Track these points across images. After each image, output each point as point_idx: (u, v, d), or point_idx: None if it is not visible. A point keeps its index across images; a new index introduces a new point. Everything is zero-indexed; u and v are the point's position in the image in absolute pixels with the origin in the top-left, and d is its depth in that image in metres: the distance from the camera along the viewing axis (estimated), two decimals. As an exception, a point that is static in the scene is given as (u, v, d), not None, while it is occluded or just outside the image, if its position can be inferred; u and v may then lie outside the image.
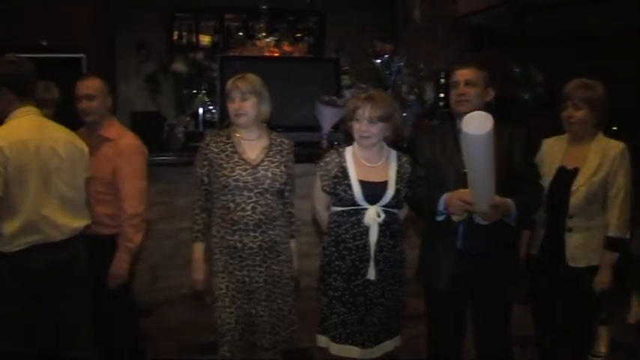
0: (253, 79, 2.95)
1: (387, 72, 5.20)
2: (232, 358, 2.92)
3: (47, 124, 2.86)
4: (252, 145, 2.97)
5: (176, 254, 4.70)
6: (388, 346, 2.95)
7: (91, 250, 3.10)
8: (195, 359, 3.98)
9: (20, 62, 2.82)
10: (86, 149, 2.96)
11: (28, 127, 2.74)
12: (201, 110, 5.23)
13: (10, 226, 2.64)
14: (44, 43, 6.10)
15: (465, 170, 2.70)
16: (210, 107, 5.64)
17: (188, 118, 4.77)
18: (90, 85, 3.18)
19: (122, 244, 3.13)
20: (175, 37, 6.89)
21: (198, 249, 3.03)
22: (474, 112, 2.60)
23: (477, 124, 2.51)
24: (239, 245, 2.89)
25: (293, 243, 3.12)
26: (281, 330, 2.99)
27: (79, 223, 2.91)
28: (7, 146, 2.61)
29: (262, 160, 2.93)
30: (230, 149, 2.93)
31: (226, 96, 2.96)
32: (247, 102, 2.90)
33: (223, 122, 4.72)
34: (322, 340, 2.98)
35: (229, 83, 2.95)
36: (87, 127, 3.26)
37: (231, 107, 2.92)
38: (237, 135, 2.98)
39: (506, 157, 2.79)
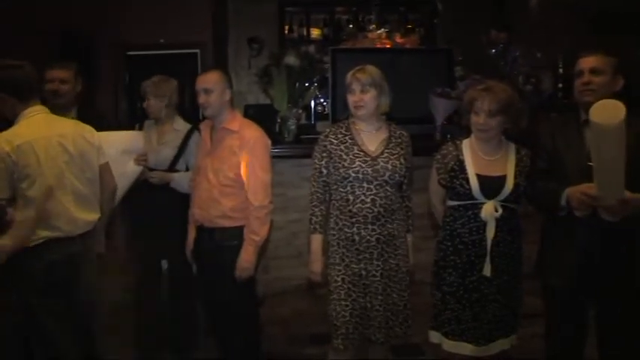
0: (373, 71, 2.92)
1: (502, 62, 5.02)
2: (345, 351, 2.93)
3: (55, 121, 2.91)
4: (372, 136, 2.95)
5: (288, 245, 4.78)
6: (503, 344, 2.88)
7: (217, 242, 3.23)
8: (305, 350, 4.03)
9: (15, 66, 2.83)
10: (97, 140, 2.98)
11: (35, 127, 2.78)
12: (312, 103, 5.28)
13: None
14: (162, 41, 6.40)
15: (590, 163, 2.56)
16: (321, 100, 5.70)
17: (300, 111, 4.81)
18: (207, 79, 3.22)
19: (248, 237, 3.16)
20: (286, 31, 6.97)
21: (317, 241, 3.03)
22: (604, 101, 2.45)
23: (606, 114, 2.37)
24: (356, 238, 2.88)
25: (409, 237, 3.09)
26: (395, 325, 2.96)
27: (93, 216, 2.96)
28: (13, 150, 2.65)
29: (382, 152, 2.91)
30: (349, 141, 2.92)
31: (346, 88, 2.94)
32: (367, 94, 2.87)
33: (335, 115, 4.74)
34: (434, 336, 2.94)
35: (349, 75, 2.93)
36: (210, 119, 3.33)
37: (351, 99, 2.91)
38: (356, 127, 2.97)
39: (637, 149, 2.60)
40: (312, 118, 5.37)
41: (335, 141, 2.94)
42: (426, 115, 4.85)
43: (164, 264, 3.90)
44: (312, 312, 4.47)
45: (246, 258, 3.16)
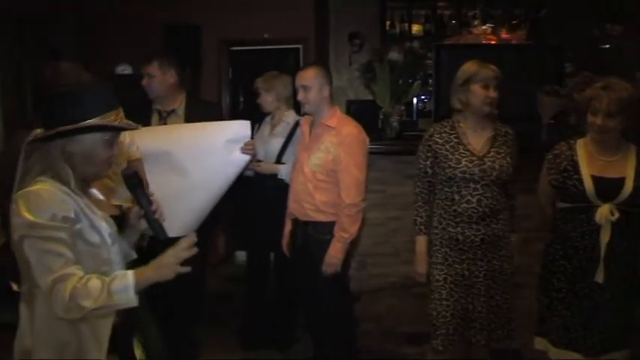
0: (496, 68, 2.83)
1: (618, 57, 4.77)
2: (445, 352, 2.88)
3: None
4: (477, 135, 2.87)
5: (386, 242, 4.75)
6: (615, 357, 2.73)
7: (310, 236, 3.26)
8: (400, 349, 3.99)
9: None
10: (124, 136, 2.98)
11: None
12: (414, 99, 5.22)
13: None
14: (265, 36, 6.51)
15: None
16: (422, 97, 5.63)
17: (403, 108, 4.77)
18: (305, 76, 3.24)
19: (338, 233, 3.18)
20: (387, 27, 6.92)
21: (422, 242, 3.00)
22: None
23: None
24: (460, 237, 2.83)
25: (514, 237, 3.00)
26: (497, 327, 2.89)
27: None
28: None
29: (488, 152, 2.83)
30: (454, 140, 2.86)
31: (472, 82, 2.81)
32: (496, 91, 2.79)
33: (438, 112, 4.67)
34: (540, 343, 2.85)
35: (483, 69, 2.81)
36: (310, 115, 3.36)
37: (485, 94, 2.79)
38: (462, 125, 2.89)
39: None
40: (414, 115, 5.30)
41: (440, 140, 2.88)
42: (531, 113, 4.68)
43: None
44: (408, 310, 4.43)
45: (334, 254, 3.18)
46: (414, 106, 5.45)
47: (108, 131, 1.81)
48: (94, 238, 1.79)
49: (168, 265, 1.75)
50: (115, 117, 1.81)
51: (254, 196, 3.83)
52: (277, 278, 3.92)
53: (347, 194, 3.15)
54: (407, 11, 6.87)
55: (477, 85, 2.78)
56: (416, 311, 4.24)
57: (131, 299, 1.69)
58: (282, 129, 3.81)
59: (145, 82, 3.44)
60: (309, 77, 3.22)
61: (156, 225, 1.95)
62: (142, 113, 3.44)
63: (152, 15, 6.22)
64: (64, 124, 1.73)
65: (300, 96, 3.24)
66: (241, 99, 6.92)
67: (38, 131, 1.78)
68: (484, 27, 5.46)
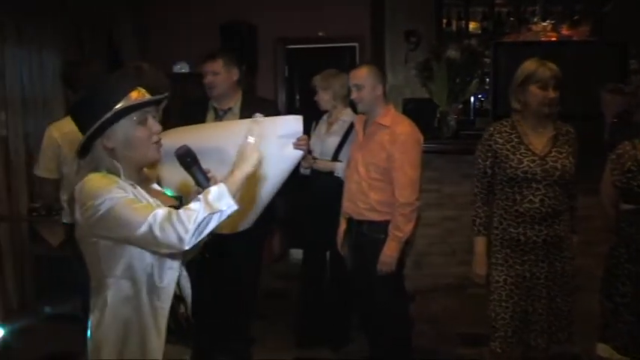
0: (555, 67, 2.76)
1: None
2: (503, 355, 2.83)
3: None
4: (539, 135, 2.80)
5: (442, 242, 4.72)
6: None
7: (364, 235, 3.25)
8: (455, 350, 3.96)
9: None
10: None
11: None
12: (472, 98, 5.15)
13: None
14: (320, 34, 6.53)
15: None
16: (479, 96, 5.54)
17: (460, 106, 4.72)
18: (358, 75, 3.24)
19: (392, 232, 3.17)
20: (443, 25, 6.84)
21: (481, 243, 2.94)
22: None
23: None
24: (522, 238, 2.77)
25: (575, 239, 2.92)
26: (557, 330, 2.83)
27: None
28: (60, 136, 3.05)
29: (550, 151, 2.76)
30: (515, 139, 2.79)
31: (530, 82, 2.74)
32: (556, 91, 2.72)
33: (496, 111, 4.59)
34: (603, 349, 2.79)
35: (542, 68, 2.73)
36: (363, 114, 3.36)
37: (543, 95, 2.71)
38: (522, 125, 2.82)
39: None
40: (471, 114, 5.23)
41: (500, 140, 2.82)
42: (593, 112, 4.56)
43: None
44: (463, 311, 4.41)
45: (388, 253, 3.17)
46: (471, 105, 5.36)
47: (129, 113, 1.80)
48: None
49: (249, 156, 1.80)
50: (138, 94, 1.82)
51: (310, 194, 3.85)
52: (333, 277, 3.93)
53: (401, 193, 3.14)
54: (464, 8, 6.77)
55: (534, 86, 2.71)
56: (471, 312, 4.21)
57: (230, 203, 1.70)
58: (339, 127, 3.82)
59: (208, 79, 3.45)
60: (362, 76, 3.22)
61: (203, 180, 1.84)
62: (198, 110, 3.49)
63: (209, 14, 6.29)
64: (92, 124, 1.77)
65: (354, 95, 3.25)
66: (297, 97, 6.96)
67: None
68: (544, 23, 5.31)
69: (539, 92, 2.69)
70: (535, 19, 5.44)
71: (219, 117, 3.51)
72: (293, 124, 3.31)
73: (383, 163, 3.18)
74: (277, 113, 3.74)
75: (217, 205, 1.68)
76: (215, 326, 3.44)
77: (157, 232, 1.65)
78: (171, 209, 1.70)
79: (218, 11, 6.25)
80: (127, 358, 1.82)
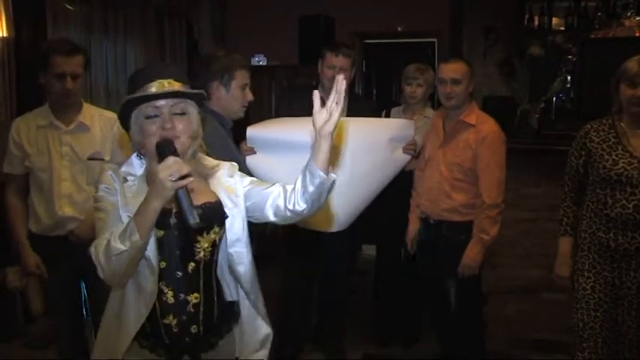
0: None
1: None
2: None
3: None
4: (638, 136, 2.65)
5: (517, 245, 4.60)
6: None
7: (444, 236, 3.19)
8: (529, 356, 3.86)
9: None
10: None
11: None
12: (554, 98, 4.97)
13: None
14: (399, 29, 6.46)
15: None
16: (560, 95, 5.35)
17: (542, 105, 4.56)
18: (457, 69, 3.14)
19: (477, 234, 3.09)
20: (525, 21, 6.64)
21: (566, 243, 2.83)
22: None
23: None
24: (612, 244, 2.64)
25: None
26: None
27: None
28: None
29: None
30: (613, 139, 2.66)
31: (621, 80, 2.62)
32: None
33: (580, 111, 4.43)
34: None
35: (631, 66, 2.59)
36: (443, 110, 3.28)
37: (631, 94, 2.58)
38: (622, 124, 2.68)
39: None
40: (552, 114, 5.04)
41: (596, 139, 2.69)
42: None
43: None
44: (537, 316, 4.30)
45: (472, 256, 3.10)
46: (553, 105, 5.18)
47: (137, 104, 1.72)
48: None
49: (160, 183, 1.56)
50: (159, 86, 1.71)
51: (385, 190, 3.79)
52: (406, 275, 3.87)
53: (488, 195, 3.06)
54: (547, 3, 6.54)
55: (624, 84, 2.59)
56: (546, 318, 4.13)
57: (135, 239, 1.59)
58: (424, 124, 3.69)
59: (331, 73, 3.28)
60: (462, 71, 3.14)
61: (186, 205, 1.60)
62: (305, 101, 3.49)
63: (287, 6, 6.33)
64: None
65: (448, 89, 3.14)
66: (374, 91, 6.92)
67: None
68: (638, 18, 5.01)
69: (628, 91, 2.58)
70: (628, 14, 5.15)
71: None
72: (405, 127, 3.26)
73: (468, 164, 3.10)
74: (377, 112, 3.71)
75: (120, 241, 1.60)
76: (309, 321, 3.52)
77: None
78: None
79: (297, 3, 6.28)
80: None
